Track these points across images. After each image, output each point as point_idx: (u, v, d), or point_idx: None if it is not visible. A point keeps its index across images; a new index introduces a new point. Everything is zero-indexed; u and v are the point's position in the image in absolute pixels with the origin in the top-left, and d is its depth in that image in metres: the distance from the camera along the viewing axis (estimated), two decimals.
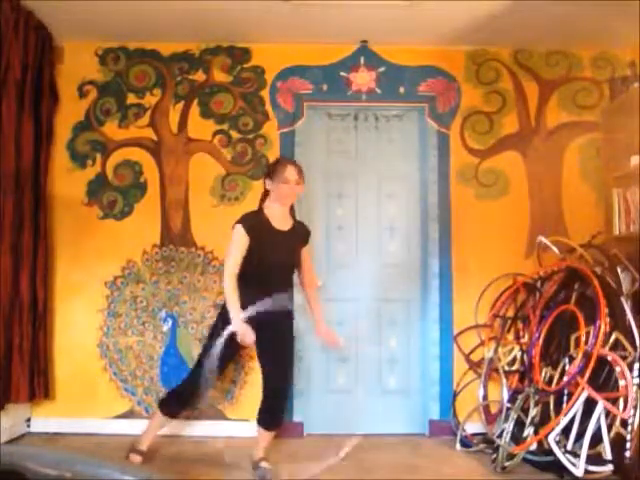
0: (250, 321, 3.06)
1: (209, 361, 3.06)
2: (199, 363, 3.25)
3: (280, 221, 3.30)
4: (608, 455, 3.09)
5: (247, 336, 3.05)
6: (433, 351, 4.19)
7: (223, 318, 3.19)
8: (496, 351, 3.94)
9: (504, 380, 3.83)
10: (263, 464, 3.35)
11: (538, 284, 3.97)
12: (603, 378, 3.25)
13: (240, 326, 3.04)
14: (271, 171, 3.30)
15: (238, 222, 3.21)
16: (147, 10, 3.79)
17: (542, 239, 4.04)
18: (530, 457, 3.40)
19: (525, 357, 3.73)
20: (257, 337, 3.10)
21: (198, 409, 3.83)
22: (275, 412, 3.36)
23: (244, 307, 3.08)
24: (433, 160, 4.28)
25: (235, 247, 3.17)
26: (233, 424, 4.10)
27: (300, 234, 3.41)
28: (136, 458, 3.38)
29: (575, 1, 3.57)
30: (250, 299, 3.08)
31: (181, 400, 3.39)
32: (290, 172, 3.23)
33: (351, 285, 4.29)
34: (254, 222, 3.22)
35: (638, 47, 3.91)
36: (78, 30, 4.13)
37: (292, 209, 3.40)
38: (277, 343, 3.29)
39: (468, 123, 4.31)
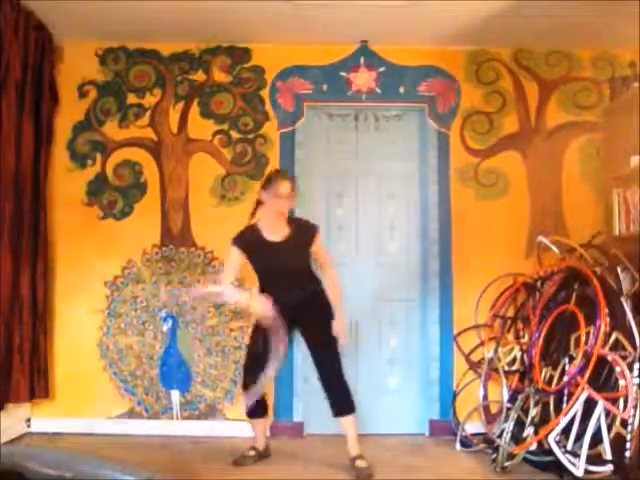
0: (281, 317, 3.22)
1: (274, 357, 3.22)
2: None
3: (273, 231, 3.38)
4: (608, 455, 3.09)
5: (257, 306, 3.22)
6: (433, 351, 4.19)
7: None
8: (496, 351, 3.94)
9: (504, 380, 3.82)
10: (359, 462, 3.34)
11: (538, 284, 3.97)
12: (603, 378, 3.25)
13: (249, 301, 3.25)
14: (266, 183, 3.38)
15: (232, 241, 3.41)
16: (147, 10, 3.79)
17: (542, 239, 4.04)
18: (530, 457, 3.39)
19: (525, 357, 3.73)
20: (297, 330, 3.44)
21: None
22: (338, 395, 3.37)
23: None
24: (433, 160, 4.28)
25: (227, 262, 3.49)
26: (233, 424, 4.10)
27: (300, 239, 3.41)
28: (250, 452, 3.53)
29: (575, 1, 3.57)
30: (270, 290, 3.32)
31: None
32: (284, 187, 3.32)
33: (351, 285, 4.29)
34: (247, 238, 3.40)
35: (638, 47, 3.90)
36: (78, 30, 4.13)
37: (290, 216, 3.49)
38: (310, 330, 3.44)
39: (468, 123, 4.31)
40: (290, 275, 3.37)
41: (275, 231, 3.38)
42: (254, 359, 3.38)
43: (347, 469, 3.37)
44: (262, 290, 3.40)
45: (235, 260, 3.40)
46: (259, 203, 3.44)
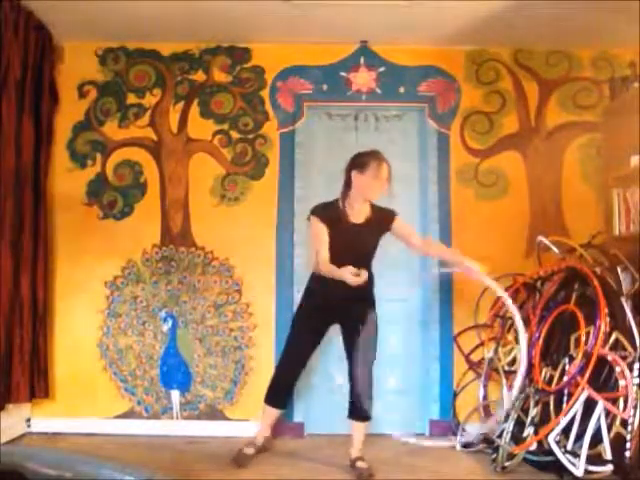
0: (328, 308, 3.31)
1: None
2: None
3: (358, 215, 3.35)
4: (608, 455, 3.09)
5: (348, 273, 3.02)
6: (433, 351, 4.19)
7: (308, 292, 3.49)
8: (496, 351, 3.94)
9: (504, 380, 3.82)
10: (359, 463, 3.35)
11: (538, 284, 3.97)
12: (603, 378, 3.25)
13: (344, 272, 3.03)
14: (359, 165, 3.31)
15: (312, 212, 3.34)
16: (147, 10, 3.79)
17: (542, 239, 4.04)
18: (530, 457, 3.39)
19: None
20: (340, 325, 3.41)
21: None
22: (363, 400, 3.35)
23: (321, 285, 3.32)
24: (433, 160, 4.28)
25: (317, 238, 3.31)
26: (233, 424, 4.10)
27: (378, 224, 3.39)
28: (249, 450, 3.49)
29: (575, 1, 3.57)
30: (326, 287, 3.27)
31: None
32: (385, 169, 3.30)
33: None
34: (329, 214, 3.31)
35: (638, 47, 3.91)
36: (78, 30, 4.13)
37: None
38: (352, 331, 3.37)
39: (468, 123, 4.31)
40: (359, 261, 3.19)
41: (359, 214, 3.35)
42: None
43: (347, 469, 3.37)
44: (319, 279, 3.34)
45: (322, 232, 3.27)
46: (349, 184, 3.33)
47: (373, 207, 3.42)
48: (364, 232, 3.35)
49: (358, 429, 3.43)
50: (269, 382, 3.56)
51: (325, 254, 3.26)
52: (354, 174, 3.32)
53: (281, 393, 3.53)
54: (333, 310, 3.40)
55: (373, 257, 3.45)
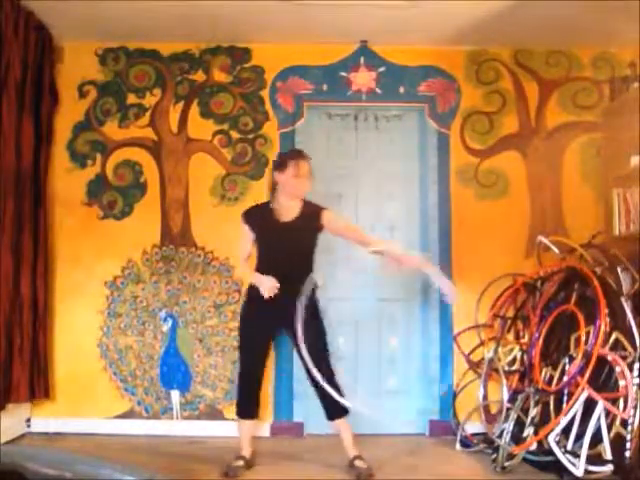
0: (268, 311, 3.25)
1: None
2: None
3: (287, 213, 3.35)
4: (608, 455, 3.09)
5: (265, 283, 3.18)
6: (433, 351, 4.19)
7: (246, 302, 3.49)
8: (496, 351, 3.94)
9: (504, 380, 3.82)
10: (357, 462, 3.32)
11: (538, 284, 3.97)
12: (603, 378, 3.25)
13: (257, 278, 3.23)
14: (281, 165, 3.35)
15: (241, 217, 3.44)
16: (147, 10, 3.79)
17: (542, 239, 4.04)
18: (530, 457, 3.39)
19: (525, 357, 3.73)
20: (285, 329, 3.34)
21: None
22: (332, 399, 3.26)
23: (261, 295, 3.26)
24: (433, 160, 4.29)
25: (241, 238, 3.44)
26: (233, 424, 4.09)
27: (307, 220, 3.36)
28: (238, 462, 3.36)
29: (575, 1, 3.57)
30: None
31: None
32: (303, 167, 3.32)
33: (351, 285, 4.29)
34: (256, 215, 3.39)
35: (638, 47, 3.90)
36: (78, 30, 4.13)
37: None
38: (305, 335, 3.23)
39: (468, 123, 4.31)
40: (293, 261, 3.25)
41: (289, 213, 3.36)
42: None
43: (347, 469, 3.37)
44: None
45: (244, 235, 3.40)
46: (275, 185, 3.39)
47: (305, 204, 3.40)
48: (295, 230, 3.33)
49: (344, 427, 3.39)
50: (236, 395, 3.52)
51: (242, 256, 3.43)
52: (275, 174, 3.38)
53: (248, 403, 3.43)
54: (273, 313, 3.27)
55: (312, 258, 3.40)
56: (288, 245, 3.29)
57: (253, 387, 3.42)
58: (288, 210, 3.36)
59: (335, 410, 3.33)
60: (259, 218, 3.38)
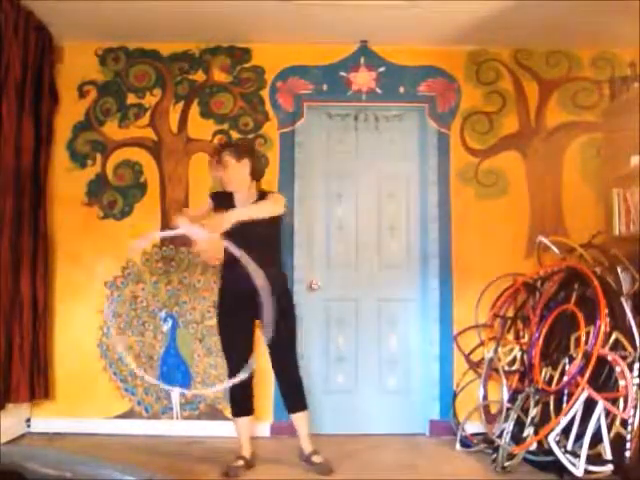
0: (239, 300, 3.27)
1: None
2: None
3: (242, 202, 3.38)
4: (608, 455, 3.09)
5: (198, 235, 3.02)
6: (433, 351, 4.19)
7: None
8: (496, 351, 3.94)
9: (504, 380, 3.82)
10: (315, 458, 3.33)
11: (538, 284, 3.97)
12: (603, 378, 3.25)
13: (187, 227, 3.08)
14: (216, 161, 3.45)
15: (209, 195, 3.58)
16: (147, 10, 3.79)
17: (542, 239, 4.04)
18: (530, 457, 3.40)
19: (525, 357, 3.73)
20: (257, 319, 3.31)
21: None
22: (294, 392, 3.34)
23: (226, 282, 3.39)
24: (433, 160, 4.28)
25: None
26: (233, 424, 4.09)
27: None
28: (238, 462, 3.37)
29: (575, 1, 3.57)
30: (228, 277, 3.36)
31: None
32: (224, 160, 3.37)
33: (351, 285, 4.29)
34: (221, 197, 3.45)
35: (638, 47, 3.90)
36: (78, 30, 4.13)
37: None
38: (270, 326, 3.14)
39: (468, 123, 4.31)
40: (256, 251, 2.98)
41: (244, 202, 3.37)
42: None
43: (347, 469, 3.37)
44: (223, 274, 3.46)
45: (203, 206, 3.48)
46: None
47: (260, 194, 3.41)
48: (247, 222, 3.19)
49: (300, 421, 3.39)
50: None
51: (185, 213, 3.43)
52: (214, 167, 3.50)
53: (242, 400, 3.43)
54: (244, 302, 3.22)
55: (275, 249, 3.41)
56: (244, 234, 3.07)
57: (244, 383, 3.28)
58: (241, 200, 3.38)
59: (296, 404, 3.38)
60: (224, 200, 3.39)
